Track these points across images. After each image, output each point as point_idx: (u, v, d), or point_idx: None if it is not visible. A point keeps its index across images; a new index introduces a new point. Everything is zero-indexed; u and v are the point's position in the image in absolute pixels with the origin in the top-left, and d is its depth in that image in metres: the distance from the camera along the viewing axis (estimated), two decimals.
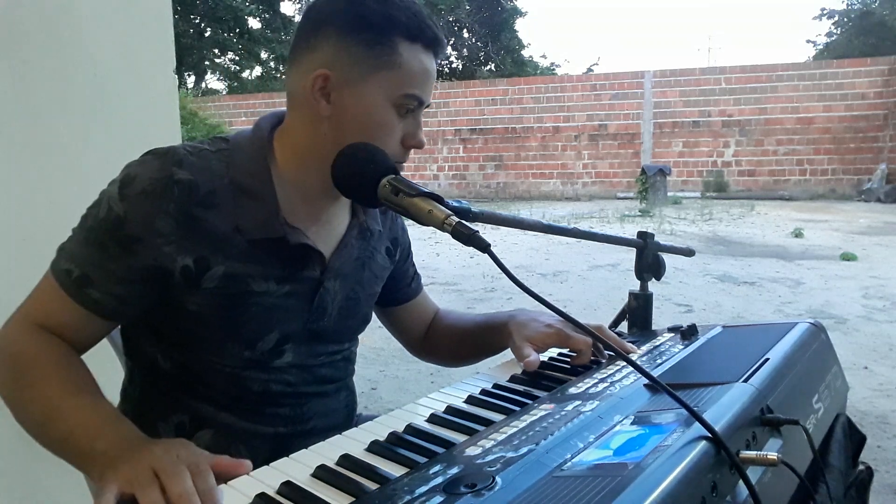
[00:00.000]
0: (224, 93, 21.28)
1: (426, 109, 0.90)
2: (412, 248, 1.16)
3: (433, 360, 1.23)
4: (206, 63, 21.88)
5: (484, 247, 0.75)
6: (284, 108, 0.91)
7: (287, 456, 0.73)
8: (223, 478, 0.67)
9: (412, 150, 0.91)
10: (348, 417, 1.03)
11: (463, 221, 0.77)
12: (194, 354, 0.87)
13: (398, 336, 1.20)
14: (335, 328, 0.96)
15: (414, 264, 1.18)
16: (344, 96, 0.84)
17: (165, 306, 0.85)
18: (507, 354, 1.08)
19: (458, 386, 0.96)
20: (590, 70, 20.34)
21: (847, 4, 22.21)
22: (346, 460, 0.71)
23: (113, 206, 0.80)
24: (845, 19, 22.11)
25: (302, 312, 0.91)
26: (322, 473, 0.68)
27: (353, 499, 0.63)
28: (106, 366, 0.95)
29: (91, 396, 0.78)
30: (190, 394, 0.89)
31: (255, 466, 0.70)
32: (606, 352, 1.04)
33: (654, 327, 1.22)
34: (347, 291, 0.96)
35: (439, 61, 0.90)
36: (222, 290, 0.84)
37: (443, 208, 0.78)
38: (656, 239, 1.21)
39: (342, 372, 1.01)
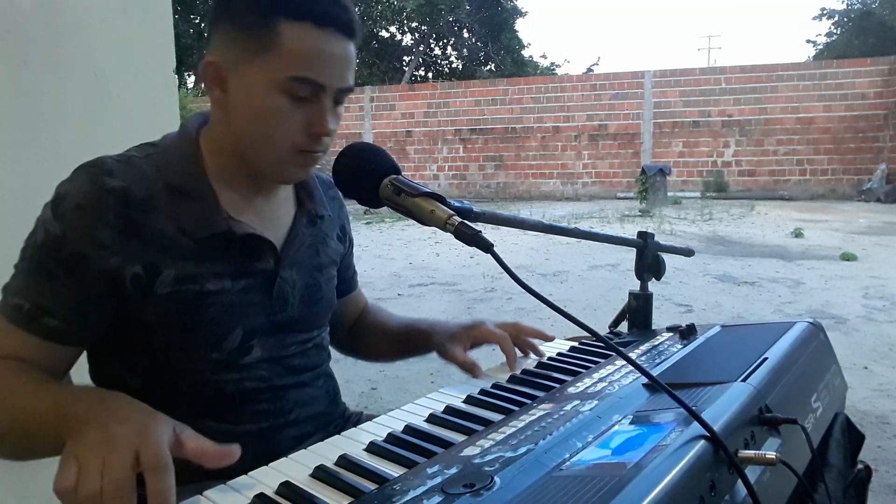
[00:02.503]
0: None
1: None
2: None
3: (354, 353, 1.23)
4: None
5: (487, 247, 0.75)
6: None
7: (276, 448, 0.73)
8: (210, 465, 0.65)
9: (326, 141, 0.86)
10: (332, 403, 1.02)
11: (465, 222, 0.77)
12: (162, 367, 0.85)
13: None
14: (300, 317, 0.94)
15: (353, 258, 1.18)
16: (233, 84, 0.82)
17: (124, 322, 0.82)
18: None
19: (457, 386, 0.96)
20: (590, 70, 20.33)
21: (847, 4, 22.20)
22: (345, 460, 0.71)
23: (49, 227, 0.78)
24: (845, 19, 22.10)
25: (263, 306, 0.89)
26: (321, 474, 0.69)
27: (352, 499, 0.63)
28: None
29: (56, 384, 0.76)
30: (165, 407, 0.87)
31: (247, 463, 0.70)
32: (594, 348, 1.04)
33: (653, 327, 1.22)
34: (306, 279, 0.95)
35: (355, 40, 0.84)
36: (177, 295, 0.82)
37: (445, 208, 0.78)
38: (656, 239, 1.21)
39: (316, 359, 0.99)
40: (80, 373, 0.91)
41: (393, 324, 1.19)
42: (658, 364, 0.96)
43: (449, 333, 1.08)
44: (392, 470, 0.68)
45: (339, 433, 0.83)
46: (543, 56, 32.64)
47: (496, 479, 0.61)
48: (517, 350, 1.07)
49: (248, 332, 0.88)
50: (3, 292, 0.81)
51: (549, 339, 1.13)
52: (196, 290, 0.83)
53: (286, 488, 0.65)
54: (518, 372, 1.00)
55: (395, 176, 0.82)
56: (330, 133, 0.85)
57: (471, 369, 1.02)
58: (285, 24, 0.79)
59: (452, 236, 0.76)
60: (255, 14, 0.80)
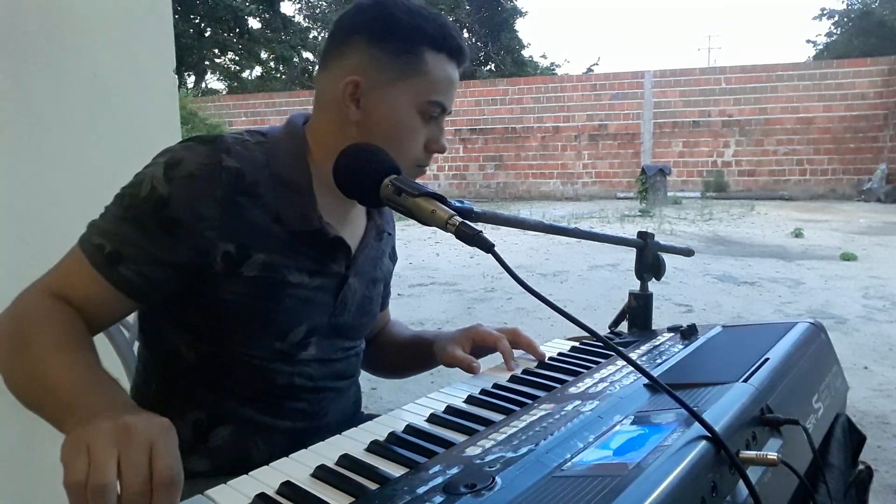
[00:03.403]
0: (224, 93, 21.28)
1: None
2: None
3: (368, 368, 1.22)
4: (206, 63, 21.88)
5: (488, 247, 0.75)
6: (310, 109, 0.95)
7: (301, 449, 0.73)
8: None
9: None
10: (356, 414, 1.06)
11: (466, 222, 0.77)
12: (224, 346, 0.87)
13: None
14: (353, 324, 0.98)
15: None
16: (372, 102, 0.88)
17: (199, 295, 0.84)
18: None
19: (458, 386, 0.96)
20: (590, 70, 20.34)
21: (847, 4, 22.22)
22: (346, 460, 0.71)
23: (157, 185, 0.80)
24: (845, 19, 22.11)
25: (328, 306, 0.93)
26: (322, 473, 0.68)
27: (353, 499, 0.63)
28: (108, 367, 0.94)
29: (87, 360, 0.74)
30: (212, 388, 0.89)
31: (272, 461, 0.68)
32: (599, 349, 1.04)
33: (654, 327, 1.22)
34: (363, 290, 0.99)
35: (460, 71, 0.93)
36: (261, 280, 0.85)
37: (446, 208, 0.78)
38: (656, 239, 1.21)
39: (354, 368, 1.03)
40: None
41: (402, 337, 1.22)
42: (659, 364, 0.96)
43: (448, 338, 1.12)
44: (393, 470, 0.68)
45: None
46: (543, 56, 32.70)
47: (497, 479, 0.61)
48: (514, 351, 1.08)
49: (310, 329, 0.91)
50: (88, 228, 0.83)
51: (541, 356, 1.08)
52: (279, 279, 0.86)
53: (287, 488, 0.65)
54: (519, 372, 1.00)
55: (395, 176, 0.82)
56: (444, 150, 0.94)
57: (469, 366, 1.04)
58: (428, 53, 0.88)
59: (453, 236, 0.76)
60: (402, 40, 0.87)
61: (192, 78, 21.81)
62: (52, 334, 0.75)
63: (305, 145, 0.92)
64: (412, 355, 1.18)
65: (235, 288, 0.84)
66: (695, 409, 0.65)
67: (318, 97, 0.92)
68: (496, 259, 0.74)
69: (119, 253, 0.80)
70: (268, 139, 0.90)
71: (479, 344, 1.10)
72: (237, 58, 22.04)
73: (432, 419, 0.83)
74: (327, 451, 0.74)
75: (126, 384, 0.96)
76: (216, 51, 21.58)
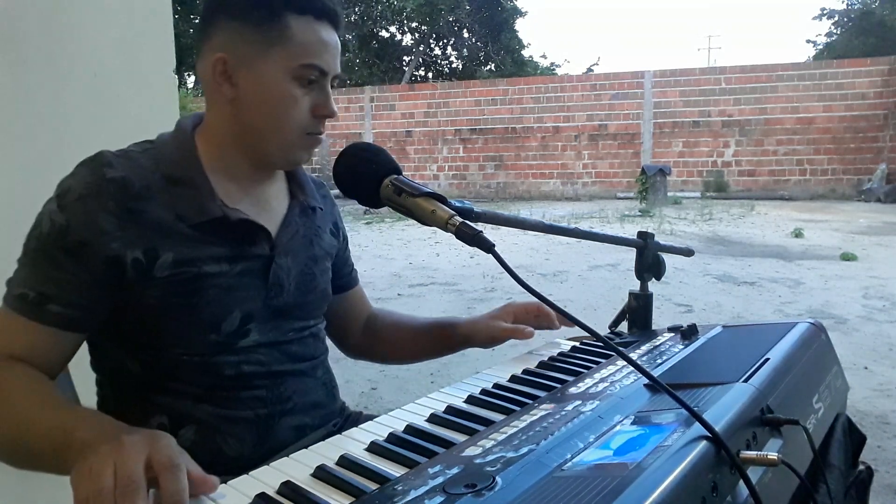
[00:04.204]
0: None
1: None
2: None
3: (370, 356, 1.26)
4: None
5: (488, 247, 0.75)
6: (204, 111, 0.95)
7: (274, 437, 0.73)
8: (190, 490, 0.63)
9: (327, 127, 0.94)
10: (329, 396, 1.04)
11: (467, 222, 0.77)
12: (162, 350, 0.87)
13: (333, 331, 1.19)
14: (296, 303, 0.97)
15: (350, 254, 1.20)
16: (243, 76, 0.87)
17: (125, 307, 0.85)
18: (510, 353, 1.08)
19: (458, 386, 0.96)
20: (590, 70, 20.32)
21: (847, 4, 22.20)
22: (346, 460, 0.71)
23: (54, 218, 0.82)
24: (845, 19, 22.10)
25: (259, 290, 0.92)
26: (322, 473, 0.68)
27: (353, 499, 0.63)
28: (79, 387, 0.94)
29: (62, 401, 0.78)
30: (164, 392, 0.89)
31: (245, 451, 0.70)
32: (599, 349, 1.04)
33: (654, 327, 1.22)
34: (301, 267, 0.98)
35: (340, 31, 0.92)
36: (176, 277, 0.85)
37: (446, 208, 0.78)
38: (656, 239, 1.21)
39: (313, 349, 1.01)
40: (80, 366, 0.92)
41: (420, 322, 1.23)
42: (659, 364, 0.96)
43: (488, 316, 1.16)
44: (393, 470, 0.68)
45: (339, 432, 0.84)
46: (543, 56, 32.63)
47: (498, 479, 0.61)
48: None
49: (245, 316, 0.90)
50: (7, 286, 0.84)
51: (557, 327, 1.17)
52: (194, 273, 0.86)
53: (287, 488, 0.65)
54: (519, 372, 1.00)
55: (395, 176, 0.82)
56: (333, 114, 0.92)
57: (523, 333, 1.09)
58: (292, 18, 0.86)
59: (453, 236, 0.76)
60: (263, 10, 0.86)
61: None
62: (20, 392, 0.77)
63: (191, 140, 0.92)
64: (435, 341, 1.20)
65: (153, 291, 0.84)
66: (695, 409, 0.65)
67: (202, 86, 0.93)
68: (496, 259, 0.74)
69: (43, 294, 0.81)
70: (155, 145, 0.91)
71: (520, 317, 1.15)
72: None
73: (432, 419, 0.83)
74: (327, 451, 0.74)
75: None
76: None
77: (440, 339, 1.19)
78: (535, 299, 0.75)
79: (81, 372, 0.94)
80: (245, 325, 0.90)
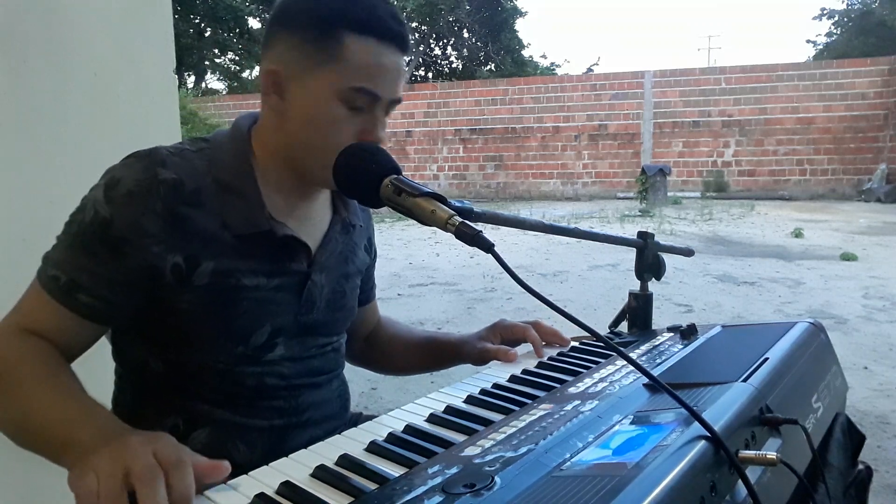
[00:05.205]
0: (224, 93, 21.27)
1: (408, 108, 0.93)
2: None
3: (369, 365, 1.25)
4: (206, 63, 21.89)
5: (488, 247, 0.75)
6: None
7: (285, 448, 0.73)
8: (200, 480, 0.65)
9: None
10: (342, 407, 1.04)
11: (466, 222, 0.77)
12: (187, 354, 0.87)
13: None
14: (324, 321, 0.97)
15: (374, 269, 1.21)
16: (293, 91, 0.86)
17: (156, 307, 0.85)
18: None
19: (458, 386, 0.96)
20: (590, 70, 20.32)
21: (847, 4, 22.20)
22: (346, 460, 0.71)
23: (99, 209, 0.81)
24: (845, 19, 22.10)
25: (291, 305, 0.91)
26: (321, 473, 0.68)
27: (353, 499, 0.63)
28: (97, 375, 0.94)
29: (71, 390, 0.77)
30: (184, 394, 0.89)
31: (254, 459, 0.70)
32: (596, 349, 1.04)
33: (654, 327, 1.22)
34: (333, 284, 0.98)
35: (407, 54, 0.88)
36: (213, 287, 0.84)
37: (446, 208, 0.78)
38: (656, 239, 1.21)
39: (333, 363, 1.02)
40: (102, 355, 0.92)
41: (416, 336, 1.23)
42: (659, 364, 0.96)
43: (477, 336, 1.16)
44: (393, 470, 0.68)
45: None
46: (543, 56, 32.69)
47: (497, 479, 0.61)
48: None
49: (275, 330, 0.90)
50: (43, 261, 0.84)
51: (566, 342, 1.15)
52: (232, 284, 0.85)
53: (287, 488, 0.65)
54: (518, 372, 1.00)
55: (395, 176, 0.82)
56: (380, 142, 0.88)
57: (506, 354, 1.08)
58: (349, 37, 0.82)
59: (453, 236, 0.76)
60: (320, 26, 0.83)
61: (192, 78, 21.83)
62: (32, 374, 0.77)
63: (248, 146, 0.90)
64: (428, 355, 1.20)
65: (189, 297, 0.84)
66: (694, 408, 0.65)
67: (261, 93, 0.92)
68: (496, 259, 0.74)
69: (74, 281, 0.80)
70: (210, 145, 0.90)
71: (507, 337, 1.14)
72: (237, 58, 22.05)
73: (432, 419, 0.83)
74: (327, 451, 0.74)
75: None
76: (216, 51, 21.60)
77: (432, 354, 1.20)
78: (524, 320, 0.74)
79: (102, 361, 0.93)
80: (273, 339, 0.90)
